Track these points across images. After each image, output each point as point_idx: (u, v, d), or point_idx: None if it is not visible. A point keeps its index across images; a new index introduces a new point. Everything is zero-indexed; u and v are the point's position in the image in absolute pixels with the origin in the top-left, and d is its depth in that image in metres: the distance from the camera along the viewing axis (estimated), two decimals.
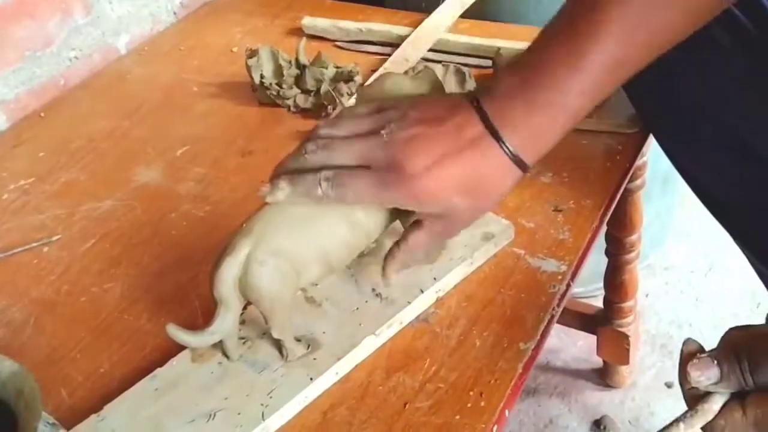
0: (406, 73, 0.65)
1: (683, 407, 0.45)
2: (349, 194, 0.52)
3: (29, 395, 0.45)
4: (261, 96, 0.89)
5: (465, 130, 0.51)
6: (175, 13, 1.13)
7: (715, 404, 0.42)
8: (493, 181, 0.53)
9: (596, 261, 1.01)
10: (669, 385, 1.22)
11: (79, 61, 1.01)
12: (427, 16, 1.00)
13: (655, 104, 0.70)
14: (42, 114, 0.95)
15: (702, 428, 0.43)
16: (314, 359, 0.57)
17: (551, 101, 0.50)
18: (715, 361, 0.42)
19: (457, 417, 0.53)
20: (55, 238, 0.75)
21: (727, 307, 1.35)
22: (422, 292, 0.61)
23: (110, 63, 1.04)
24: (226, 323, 0.54)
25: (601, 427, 1.19)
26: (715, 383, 0.42)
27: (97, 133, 0.90)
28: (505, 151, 0.51)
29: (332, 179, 0.51)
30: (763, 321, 0.61)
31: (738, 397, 0.42)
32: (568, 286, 0.63)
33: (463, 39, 0.96)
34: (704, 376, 0.41)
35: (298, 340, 0.57)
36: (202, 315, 0.63)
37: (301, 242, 0.54)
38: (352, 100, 0.83)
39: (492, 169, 0.52)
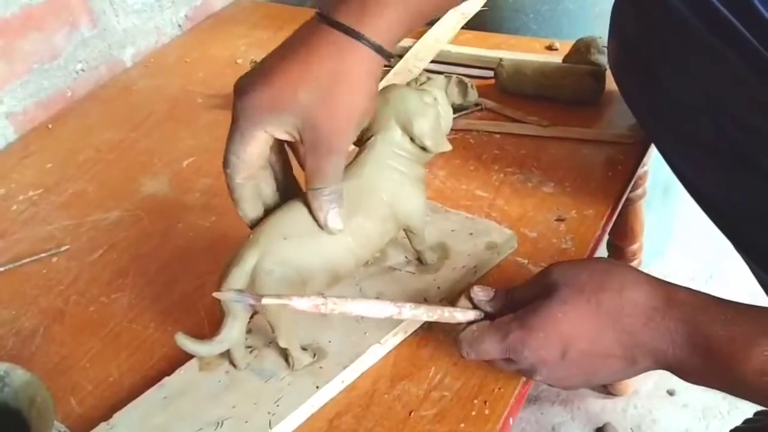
0: (409, 84, 0.65)
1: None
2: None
3: (41, 404, 0.45)
4: None
5: None
6: (180, 26, 1.15)
7: (464, 316, 0.55)
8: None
9: None
10: (671, 393, 1.22)
11: (86, 73, 1.02)
12: (430, 28, 1.01)
13: (655, 114, 0.71)
14: (50, 126, 0.96)
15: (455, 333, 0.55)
16: (320, 368, 0.57)
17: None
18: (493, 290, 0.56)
19: (462, 425, 0.54)
20: (63, 248, 0.75)
21: None
22: (426, 300, 0.61)
23: (116, 75, 1.06)
24: (233, 332, 0.55)
25: None
26: (488, 300, 0.56)
27: (104, 145, 0.91)
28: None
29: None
30: None
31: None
32: None
33: (465, 50, 0.97)
34: (483, 293, 0.56)
35: (304, 348, 0.58)
36: (209, 324, 0.64)
37: (307, 252, 0.55)
38: None
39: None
